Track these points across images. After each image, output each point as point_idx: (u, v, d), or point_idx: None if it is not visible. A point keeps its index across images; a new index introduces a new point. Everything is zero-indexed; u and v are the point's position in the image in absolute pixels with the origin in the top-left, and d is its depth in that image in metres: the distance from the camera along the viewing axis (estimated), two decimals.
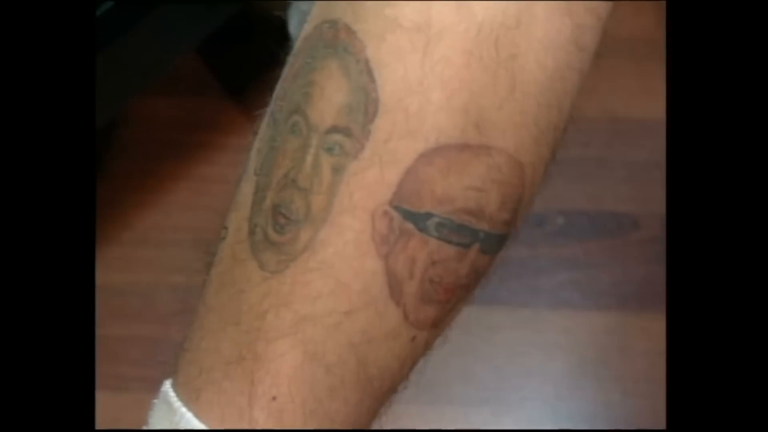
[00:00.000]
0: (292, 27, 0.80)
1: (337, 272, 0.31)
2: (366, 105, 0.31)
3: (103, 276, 0.94)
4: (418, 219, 0.31)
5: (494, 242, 0.32)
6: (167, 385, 0.33)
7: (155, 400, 0.34)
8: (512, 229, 0.33)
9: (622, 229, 0.99)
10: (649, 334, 0.92)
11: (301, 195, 0.31)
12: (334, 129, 0.31)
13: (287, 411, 0.31)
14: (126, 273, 0.98)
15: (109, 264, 0.97)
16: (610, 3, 0.33)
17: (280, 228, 0.32)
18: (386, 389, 0.33)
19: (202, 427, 0.31)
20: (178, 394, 0.33)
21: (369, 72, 0.31)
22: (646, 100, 0.99)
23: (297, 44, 0.34)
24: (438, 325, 0.33)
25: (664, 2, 0.33)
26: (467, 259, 0.32)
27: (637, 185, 1.00)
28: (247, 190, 0.33)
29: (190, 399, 0.32)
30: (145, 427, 0.33)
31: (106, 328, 0.93)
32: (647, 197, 0.97)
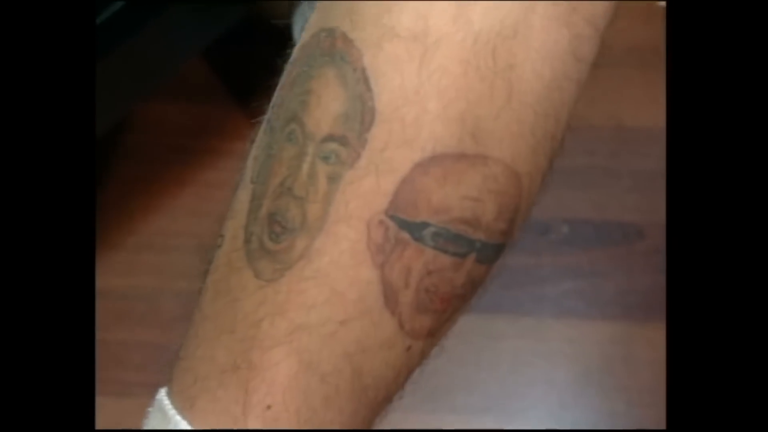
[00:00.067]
0: (297, 33, 0.80)
1: (333, 281, 0.31)
2: (362, 114, 0.31)
3: (107, 280, 0.94)
4: (413, 228, 0.31)
5: (491, 252, 0.32)
6: (162, 393, 0.33)
7: (150, 409, 0.34)
8: (509, 239, 0.33)
9: (628, 239, 0.99)
10: (653, 344, 0.91)
11: (297, 203, 0.31)
12: (330, 137, 0.31)
13: (282, 420, 0.31)
14: (130, 278, 0.98)
15: (113, 269, 0.97)
16: (608, 14, 0.33)
17: (275, 236, 0.32)
18: (381, 399, 0.33)
19: None
20: (173, 402, 0.33)
21: (366, 81, 0.31)
22: (653, 108, 0.98)
23: (294, 52, 0.34)
24: (434, 335, 0.33)
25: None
26: (463, 268, 0.32)
27: (642, 194, 0.99)
28: (243, 198, 0.33)
29: (184, 407, 0.32)
30: None
31: (110, 333, 0.93)
32: (653, 207, 0.97)
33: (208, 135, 1.04)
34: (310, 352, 0.31)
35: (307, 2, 0.76)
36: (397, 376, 0.33)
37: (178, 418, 0.32)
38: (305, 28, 0.34)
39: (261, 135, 0.34)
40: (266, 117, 0.34)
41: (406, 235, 0.31)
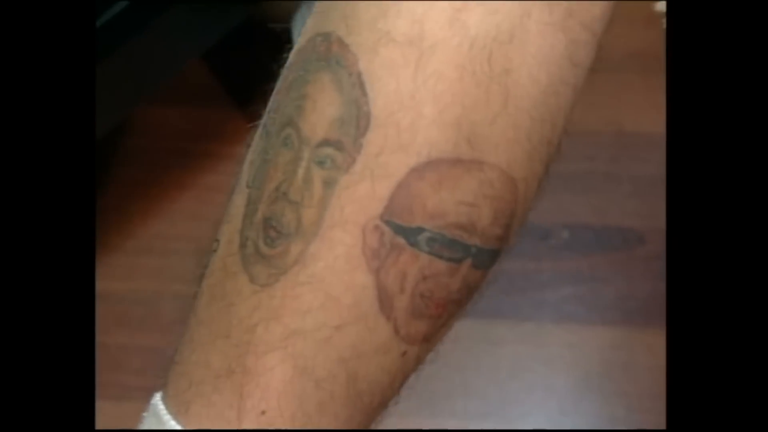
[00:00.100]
0: (296, 36, 0.80)
1: (328, 286, 0.31)
2: (358, 118, 0.31)
3: (106, 284, 0.94)
4: (409, 233, 0.31)
5: (486, 257, 0.32)
6: (157, 398, 0.33)
7: (145, 414, 0.34)
8: (505, 245, 0.32)
9: (628, 244, 0.98)
10: (654, 349, 0.91)
11: (292, 208, 0.31)
12: (325, 142, 0.31)
13: (276, 425, 0.31)
14: (129, 281, 0.98)
15: (112, 272, 0.97)
16: (605, 19, 0.33)
17: (270, 241, 0.31)
18: (376, 405, 0.33)
19: None
20: (167, 407, 0.33)
21: (361, 85, 0.31)
22: (654, 114, 0.98)
23: (291, 57, 0.34)
24: (429, 340, 0.33)
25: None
26: (459, 274, 0.32)
27: (643, 200, 0.99)
28: (239, 203, 0.33)
29: (179, 412, 0.32)
30: None
31: (109, 336, 0.93)
32: (653, 212, 0.97)
33: (208, 138, 1.04)
34: (304, 357, 0.31)
35: (306, 5, 0.76)
36: (393, 382, 0.33)
37: (172, 422, 0.32)
38: (302, 32, 0.34)
39: (257, 139, 0.34)
40: (262, 121, 0.34)
41: (401, 240, 0.31)
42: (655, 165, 0.99)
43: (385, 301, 0.31)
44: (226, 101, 1.05)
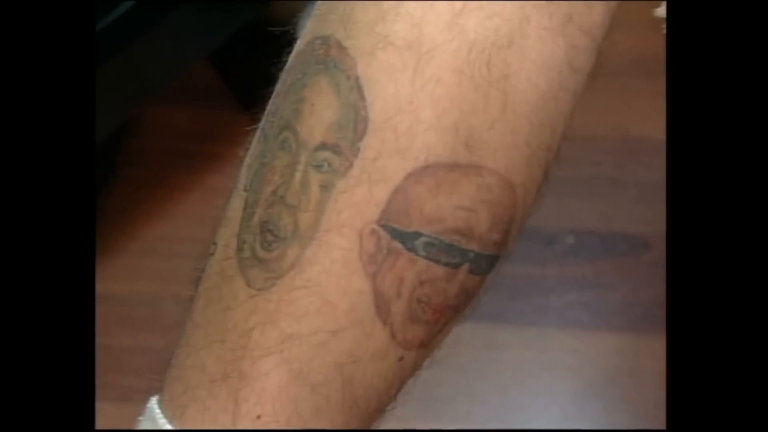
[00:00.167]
0: None
1: (324, 291, 0.31)
2: (355, 122, 0.31)
3: (109, 285, 0.94)
4: (406, 238, 0.31)
5: (484, 263, 0.32)
6: (153, 402, 0.33)
7: (141, 418, 0.34)
8: (503, 250, 0.32)
9: (633, 250, 0.98)
10: (659, 356, 0.90)
11: (289, 212, 0.31)
12: (323, 146, 0.31)
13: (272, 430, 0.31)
14: (132, 283, 0.98)
15: (115, 274, 0.97)
16: (605, 24, 0.33)
17: (267, 245, 0.31)
18: (373, 410, 0.33)
19: None
20: (163, 411, 0.33)
21: (359, 89, 0.31)
22: (659, 119, 0.97)
23: (289, 60, 0.34)
24: (426, 346, 0.33)
25: None
26: (456, 279, 0.31)
27: (649, 205, 0.99)
28: (236, 206, 0.33)
29: (174, 416, 0.32)
30: None
31: (111, 338, 0.93)
32: (659, 218, 0.96)
33: (213, 140, 1.04)
34: (300, 361, 0.31)
35: (310, 6, 0.76)
36: (389, 387, 0.32)
37: (168, 427, 0.32)
38: (300, 35, 0.33)
39: (255, 143, 0.34)
40: (260, 125, 0.34)
41: (398, 245, 0.31)
42: (661, 171, 0.97)
43: (381, 306, 0.31)
44: (231, 102, 1.05)
